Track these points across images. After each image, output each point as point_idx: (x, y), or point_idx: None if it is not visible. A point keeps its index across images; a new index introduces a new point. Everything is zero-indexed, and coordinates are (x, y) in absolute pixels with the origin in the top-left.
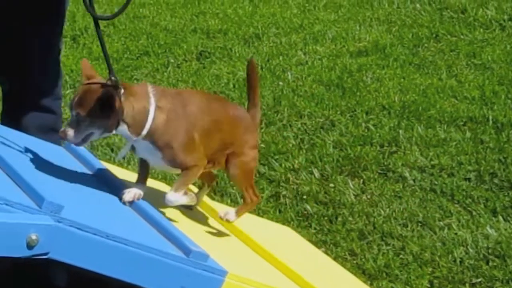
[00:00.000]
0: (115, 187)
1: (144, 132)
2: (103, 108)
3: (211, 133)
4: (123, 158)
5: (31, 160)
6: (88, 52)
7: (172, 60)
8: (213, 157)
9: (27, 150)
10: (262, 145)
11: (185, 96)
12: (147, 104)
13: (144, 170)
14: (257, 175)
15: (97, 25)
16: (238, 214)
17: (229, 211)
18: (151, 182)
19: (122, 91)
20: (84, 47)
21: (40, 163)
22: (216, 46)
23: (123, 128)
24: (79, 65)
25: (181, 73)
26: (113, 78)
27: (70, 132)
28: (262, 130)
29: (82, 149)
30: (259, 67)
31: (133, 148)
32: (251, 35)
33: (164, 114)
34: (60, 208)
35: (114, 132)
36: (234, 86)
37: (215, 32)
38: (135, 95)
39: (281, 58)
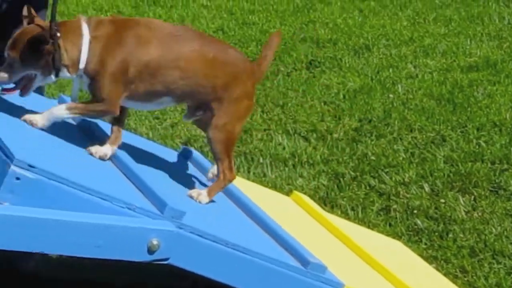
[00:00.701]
0: (229, 192)
1: (81, 66)
2: (32, 50)
3: (160, 71)
4: (76, 98)
5: (150, 164)
6: None
7: (282, 68)
8: (193, 98)
9: (145, 154)
10: (373, 158)
11: (134, 28)
12: (80, 39)
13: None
14: (367, 187)
15: None
16: (210, 195)
17: (201, 192)
18: (259, 188)
19: (59, 35)
20: None
21: (159, 168)
22: (326, 55)
23: (63, 71)
24: None
25: (291, 81)
26: (52, 23)
27: (3, 74)
28: (372, 142)
29: (197, 154)
30: (369, 79)
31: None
32: (361, 46)
33: (100, 43)
34: (181, 214)
35: (55, 77)
36: (344, 97)
37: (324, 41)
38: (70, 34)
39: (391, 70)
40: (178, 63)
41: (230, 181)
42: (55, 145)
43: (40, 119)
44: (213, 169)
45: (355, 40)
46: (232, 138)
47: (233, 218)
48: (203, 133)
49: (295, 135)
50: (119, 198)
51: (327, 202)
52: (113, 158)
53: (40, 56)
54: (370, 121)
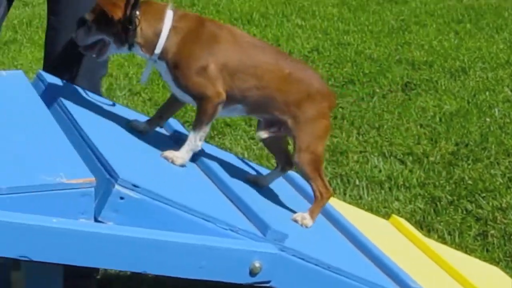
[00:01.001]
0: (328, 214)
1: (157, 51)
2: (106, 17)
3: (237, 74)
4: (145, 82)
5: (249, 184)
6: None
7: (377, 90)
8: (265, 112)
9: (244, 173)
10: (470, 182)
11: (217, 29)
12: (161, 24)
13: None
14: (464, 212)
15: None
16: (313, 216)
17: (305, 216)
18: (357, 211)
19: (138, 12)
20: None
21: (258, 188)
22: (421, 78)
23: (136, 48)
24: None
25: (386, 103)
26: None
27: (80, 34)
28: (469, 166)
29: (298, 177)
30: (466, 102)
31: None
32: (457, 69)
33: (180, 35)
34: (284, 237)
35: (127, 50)
36: (440, 120)
37: (420, 63)
38: (151, 15)
39: (487, 93)
40: (255, 70)
41: (328, 198)
42: (156, 162)
43: (180, 156)
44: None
45: (451, 62)
46: (318, 157)
47: (334, 241)
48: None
49: (391, 157)
50: (222, 220)
51: (424, 226)
52: (214, 177)
53: (112, 24)
54: (467, 145)
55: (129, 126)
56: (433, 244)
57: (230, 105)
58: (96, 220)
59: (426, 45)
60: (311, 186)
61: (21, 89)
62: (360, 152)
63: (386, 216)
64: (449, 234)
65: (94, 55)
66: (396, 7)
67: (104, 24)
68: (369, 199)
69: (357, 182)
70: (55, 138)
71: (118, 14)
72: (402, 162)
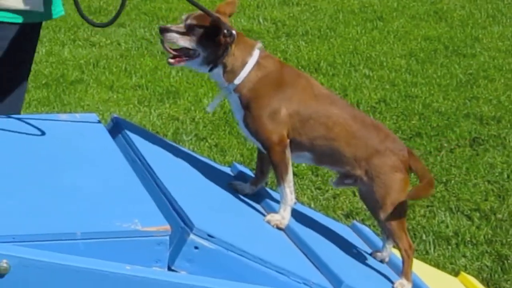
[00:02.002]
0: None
1: (237, 81)
2: (213, 33)
3: (309, 121)
4: (212, 110)
5: (320, 236)
6: None
7: (445, 144)
8: (333, 164)
9: (313, 225)
10: None
11: (295, 75)
12: (248, 56)
13: (261, 167)
14: None
15: None
16: (408, 278)
17: (403, 283)
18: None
19: (234, 36)
20: None
21: (329, 240)
22: (489, 133)
23: (218, 70)
24: None
25: (454, 158)
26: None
27: (173, 32)
28: None
29: (366, 229)
30: None
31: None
32: None
33: (261, 72)
34: None
35: (208, 70)
36: (508, 177)
37: (488, 118)
38: (242, 45)
39: None
40: (327, 121)
41: (413, 254)
42: (230, 211)
43: (283, 218)
44: (384, 253)
45: None
46: (401, 212)
47: None
48: (365, 206)
49: (458, 213)
50: (295, 273)
51: (491, 284)
52: (286, 229)
53: (215, 42)
54: None
55: (233, 188)
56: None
57: (297, 151)
58: (169, 269)
59: (495, 100)
60: (397, 245)
61: (95, 133)
62: (427, 206)
63: (453, 272)
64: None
65: (171, 59)
66: (464, 60)
67: (207, 38)
68: (436, 254)
69: (423, 237)
70: (130, 183)
71: (227, 35)
72: (469, 218)
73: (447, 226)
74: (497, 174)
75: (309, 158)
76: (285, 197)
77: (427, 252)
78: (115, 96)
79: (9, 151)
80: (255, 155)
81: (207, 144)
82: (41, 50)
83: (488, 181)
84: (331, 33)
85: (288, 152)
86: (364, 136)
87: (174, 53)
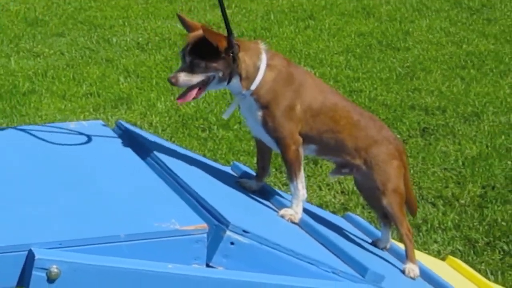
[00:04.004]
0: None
1: (253, 86)
2: (216, 53)
3: (319, 116)
4: (228, 117)
5: (329, 229)
6: None
7: (397, 136)
8: (335, 155)
9: (317, 219)
10: (503, 223)
11: (302, 71)
12: (258, 60)
13: (263, 164)
14: (502, 252)
15: None
16: (414, 261)
17: (412, 267)
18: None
19: (238, 44)
20: None
21: (336, 232)
22: (437, 123)
23: (236, 80)
24: None
25: (409, 148)
26: (230, 36)
27: (183, 77)
28: (499, 208)
29: (361, 219)
30: (484, 146)
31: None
32: (470, 114)
33: (273, 73)
34: (381, 278)
35: (227, 84)
36: (463, 164)
37: (433, 109)
38: (249, 50)
39: (503, 137)
40: (334, 114)
41: (413, 236)
42: (249, 208)
43: (296, 213)
44: (384, 240)
45: (463, 107)
46: (402, 197)
47: (418, 284)
48: (333, 199)
49: (422, 201)
50: (324, 263)
51: None
52: (302, 223)
53: (222, 58)
54: (493, 188)
55: (240, 185)
56: (490, 282)
57: (305, 144)
58: (207, 265)
59: (436, 91)
60: (399, 230)
61: (107, 139)
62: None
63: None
64: (492, 274)
65: (193, 97)
66: (399, 54)
67: (213, 60)
68: None
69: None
70: (156, 185)
71: (223, 44)
72: (434, 205)
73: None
74: (452, 161)
75: (313, 150)
76: (297, 192)
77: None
78: (69, 105)
79: (34, 160)
80: (218, 155)
81: None
82: None
83: (445, 169)
84: (266, 33)
85: (301, 149)
86: (364, 127)
87: (194, 95)
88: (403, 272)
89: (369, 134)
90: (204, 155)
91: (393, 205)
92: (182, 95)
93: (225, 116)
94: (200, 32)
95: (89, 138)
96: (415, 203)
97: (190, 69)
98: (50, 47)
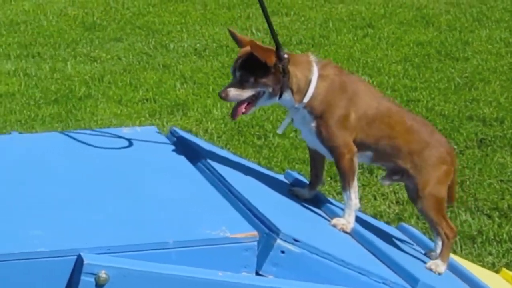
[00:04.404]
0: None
1: (306, 99)
2: (265, 68)
3: (375, 122)
4: (283, 131)
5: (380, 239)
6: None
7: (454, 147)
8: (388, 161)
9: (370, 228)
10: None
11: (355, 79)
12: (310, 72)
13: (316, 172)
14: None
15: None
16: (445, 260)
17: (437, 263)
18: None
19: (287, 58)
20: None
21: (388, 242)
22: (495, 134)
23: (287, 94)
24: None
25: (465, 159)
26: (279, 50)
27: (233, 92)
28: None
29: (414, 230)
30: None
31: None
32: None
33: (326, 83)
34: None
35: (279, 99)
36: None
37: (491, 120)
38: (299, 64)
39: None
40: (389, 120)
41: (454, 237)
42: (301, 217)
43: (347, 222)
44: (435, 252)
45: None
46: (440, 201)
47: None
48: (388, 209)
49: (478, 212)
50: (375, 273)
51: None
52: (353, 233)
53: (271, 73)
54: None
55: (293, 194)
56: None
57: (361, 152)
58: (256, 274)
59: (494, 102)
60: (437, 230)
61: (160, 144)
62: (448, 207)
63: (498, 270)
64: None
65: (243, 112)
66: (458, 64)
67: (262, 75)
68: (463, 253)
69: (456, 235)
70: (207, 192)
71: (273, 59)
72: (489, 217)
73: (470, 226)
74: (509, 173)
75: (369, 157)
76: (350, 202)
77: (454, 252)
78: (125, 110)
79: (86, 165)
80: (273, 163)
81: None
82: (44, 67)
83: (502, 181)
84: (325, 41)
85: (356, 159)
86: (417, 130)
87: (244, 110)
88: (429, 268)
89: (422, 137)
90: (259, 163)
91: (428, 209)
92: (233, 111)
93: (279, 131)
94: (254, 46)
95: (142, 144)
96: (453, 194)
97: (240, 84)
98: (107, 52)
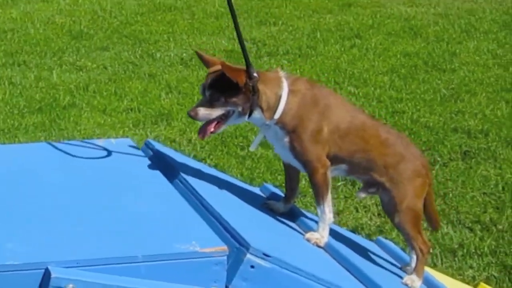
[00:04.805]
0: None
1: (277, 115)
2: (235, 87)
3: (348, 136)
4: (255, 148)
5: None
6: None
7: (438, 159)
8: (363, 174)
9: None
10: None
11: (327, 92)
12: (279, 89)
13: (291, 185)
14: None
15: (233, 15)
16: (420, 275)
17: (413, 278)
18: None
19: (257, 77)
20: None
21: (363, 257)
22: (479, 146)
23: (257, 112)
24: None
25: (449, 172)
26: (249, 68)
27: (202, 111)
28: None
29: (391, 244)
30: None
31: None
32: None
33: (297, 98)
34: None
35: (248, 118)
36: (503, 189)
37: (476, 132)
38: (268, 81)
39: None
40: (363, 133)
41: (428, 252)
42: (274, 231)
43: (322, 236)
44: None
45: (506, 131)
46: (417, 215)
47: None
48: (369, 222)
49: (460, 225)
50: None
51: None
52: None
53: (241, 93)
54: None
55: (268, 208)
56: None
57: (335, 165)
58: None
59: (480, 114)
60: (412, 245)
61: (134, 157)
62: (432, 232)
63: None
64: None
65: (212, 130)
66: (444, 75)
67: (232, 94)
68: (443, 266)
69: (430, 250)
70: (180, 206)
71: (243, 79)
72: (471, 230)
73: (451, 239)
74: (492, 186)
75: (343, 170)
76: (324, 216)
77: (435, 265)
78: (109, 120)
79: (56, 177)
80: (255, 174)
81: (206, 164)
82: (29, 76)
83: (485, 193)
84: (312, 51)
85: (329, 173)
86: (393, 144)
87: (213, 129)
88: (405, 284)
89: (397, 150)
90: (242, 174)
91: (405, 223)
92: (202, 130)
93: (252, 148)
94: (219, 66)
95: (116, 157)
96: (437, 217)
97: (210, 103)
98: (93, 61)
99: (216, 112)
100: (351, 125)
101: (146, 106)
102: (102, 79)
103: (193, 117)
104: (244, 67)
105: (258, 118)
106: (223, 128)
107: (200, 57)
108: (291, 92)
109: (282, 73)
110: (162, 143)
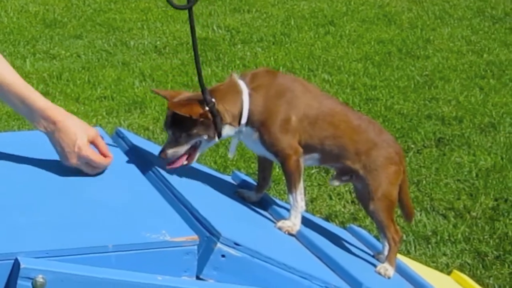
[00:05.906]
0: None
1: (244, 120)
2: (194, 123)
3: (317, 122)
4: (234, 154)
5: (328, 241)
6: None
7: (412, 146)
8: (336, 161)
9: (318, 230)
10: None
11: (290, 80)
12: (239, 95)
13: (264, 175)
14: (511, 266)
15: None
16: (393, 264)
17: (386, 266)
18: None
19: (213, 101)
20: None
21: (336, 245)
22: (453, 133)
23: (226, 129)
24: None
25: (422, 159)
26: (204, 91)
27: (170, 151)
28: (510, 221)
29: (363, 232)
30: (499, 157)
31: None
32: (486, 124)
33: (260, 93)
34: None
35: (218, 139)
36: (477, 176)
37: (450, 119)
38: (226, 95)
39: None
40: (333, 119)
41: (400, 241)
42: (245, 220)
43: (294, 224)
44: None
45: (480, 118)
46: (391, 203)
47: None
48: (343, 209)
49: (433, 212)
50: (317, 277)
51: (474, 281)
52: (298, 235)
53: (201, 123)
54: (506, 200)
55: (239, 196)
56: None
57: (308, 154)
58: (197, 278)
59: (454, 101)
60: (384, 233)
61: None
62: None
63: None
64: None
65: (185, 163)
66: (418, 62)
67: (191, 128)
68: (417, 254)
69: (404, 237)
70: (150, 195)
71: (197, 111)
72: (444, 217)
73: (424, 226)
74: (466, 173)
75: (316, 160)
76: (296, 204)
77: (408, 252)
78: (82, 108)
79: (23, 167)
80: (228, 162)
81: None
82: None
83: (458, 180)
84: (286, 38)
85: (301, 160)
86: (364, 130)
87: (186, 162)
88: (379, 272)
89: (370, 137)
90: (216, 161)
91: (380, 211)
92: (172, 163)
93: (230, 156)
94: (179, 100)
95: None
96: (411, 208)
97: (175, 141)
98: (66, 49)
99: (183, 148)
100: (319, 112)
101: (120, 94)
102: (76, 68)
103: (164, 159)
104: (198, 93)
105: (229, 132)
106: (196, 156)
107: (157, 94)
108: (252, 90)
109: (236, 77)
110: (136, 131)
